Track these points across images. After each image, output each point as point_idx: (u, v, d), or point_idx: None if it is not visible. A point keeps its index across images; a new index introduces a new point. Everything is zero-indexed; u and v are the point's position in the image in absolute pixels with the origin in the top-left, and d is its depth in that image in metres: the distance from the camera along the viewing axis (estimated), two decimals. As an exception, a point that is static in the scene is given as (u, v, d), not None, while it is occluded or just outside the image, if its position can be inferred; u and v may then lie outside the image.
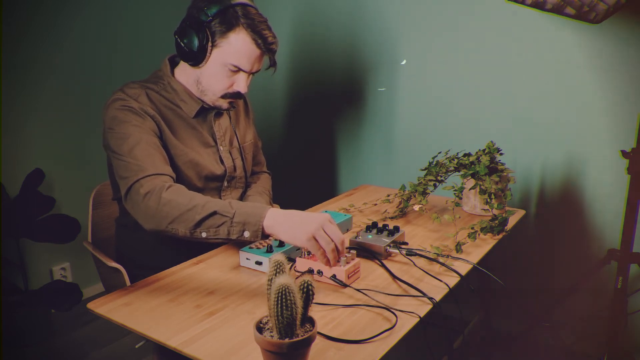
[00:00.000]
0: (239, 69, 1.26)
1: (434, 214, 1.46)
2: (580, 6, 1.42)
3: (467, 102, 2.05)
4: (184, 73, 1.33)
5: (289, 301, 0.71)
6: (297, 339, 0.73)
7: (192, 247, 1.25)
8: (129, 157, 1.18)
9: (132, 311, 0.98)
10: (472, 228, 1.32)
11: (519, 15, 1.85)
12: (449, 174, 1.55)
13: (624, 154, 1.56)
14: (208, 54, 1.24)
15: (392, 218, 1.53)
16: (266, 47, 1.24)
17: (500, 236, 1.37)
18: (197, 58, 1.24)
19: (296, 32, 2.46)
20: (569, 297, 1.77)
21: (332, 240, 1.01)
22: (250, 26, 1.21)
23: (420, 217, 1.54)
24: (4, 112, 2.04)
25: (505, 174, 1.48)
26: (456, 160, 1.53)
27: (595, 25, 1.69)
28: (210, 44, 1.22)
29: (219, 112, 1.40)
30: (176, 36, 1.25)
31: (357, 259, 1.12)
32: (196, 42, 1.22)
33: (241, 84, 1.28)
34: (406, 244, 1.27)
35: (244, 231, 1.06)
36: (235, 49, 1.22)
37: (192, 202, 1.08)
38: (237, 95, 1.31)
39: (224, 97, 1.30)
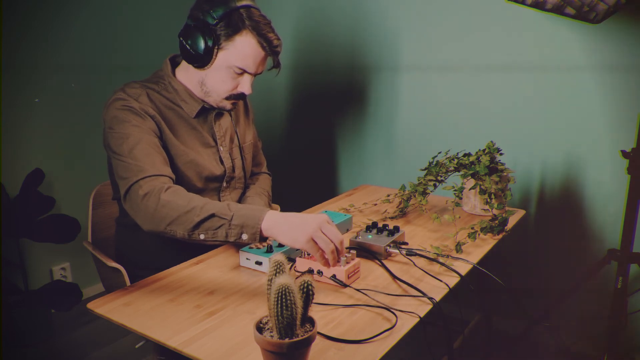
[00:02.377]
0: (244, 71, 1.27)
1: (434, 214, 1.46)
2: (580, 6, 1.42)
3: (467, 102, 2.05)
4: (185, 74, 1.33)
5: (289, 301, 0.71)
6: (297, 339, 0.73)
7: (192, 248, 1.25)
8: (128, 158, 1.18)
9: (132, 311, 0.98)
10: (472, 228, 1.32)
11: (519, 15, 1.85)
12: (449, 174, 1.55)
13: (624, 154, 1.56)
14: (214, 57, 1.24)
15: (392, 218, 1.52)
16: (271, 49, 1.26)
17: (500, 236, 1.37)
18: (202, 60, 1.25)
19: (297, 33, 2.46)
20: (569, 297, 1.77)
21: (331, 241, 1.01)
22: (256, 29, 1.22)
23: (420, 217, 1.54)
24: (4, 112, 2.04)
25: (505, 174, 1.48)
26: (456, 160, 1.53)
27: (595, 25, 1.69)
28: (216, 46, 1.23)
29: (219, 113, 1.40)
30: (181, 38, 1.25)
31: (357, 259, 1.12)
32: (202, 45, 1.22)
33: (246, 85, 1.29)
34: (406, 244, 1.27)
35: (242, 233, 1.06)
36: (241, 51, 1.23)
37: (190, 204, 1.08)
38: (241, 96, 1.32)
39: (227, 98, 1.31)
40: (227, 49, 1.23)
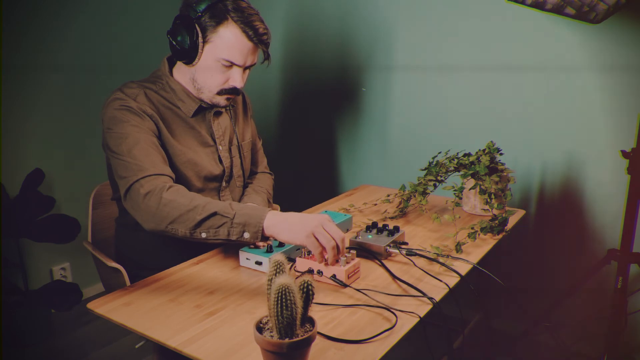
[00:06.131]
0: (232, 64, 1.24)
1: (434, 214, 1.46)
2: (580, 6, 1.42)
3: (467, 102, 2.05)
4: (181, 72, 1.32)
5: (289, 301, 0.71)
6: (297, 339, 0.73)
7: (192, 247, 1.25)
8: (128, 157, 1.18)
9: (132, 311, 0.98)
10: (472, 228, 1.32)
11: (518, 15, 1.85)
12: (449, 174, 1.55)
13: (624, 154, 1.56)
14: (200, 51, 1.23)
15: (392, 218, 1.52)
16: (258, 38, 1.23)
17: (500, 236, 1.37)
18: (189, 56, 1.24)
19: (289, 33, 2.46)
20: (569, 297, 1.77)
21: (333, 238, 1.01)
22: (240, 18, 1.20)
23: (420, 217, 1.54)
24: (4, 112, 2.04)
25: (505, 174, 1.48)
26: (456, 160, 1.53)
27: (595, 25, 1.69)
28: (201, 40, 1.22)
29: (218, 111, 1.40)
30: (169, 36, 1.25)
31: (357, 259, 1.12)
32: (187, 40, 1.21)
33: (236, 78, 1.27)
34: (406, 244, 1.26)
35: (244, 232, 1.06)
36: (226, 42, 1.21)
37: (192, 203, 1.08)
38: (234, 90, 1.30)
39: (220, 93, 1.29)
40: (212, 42, 1.22)
